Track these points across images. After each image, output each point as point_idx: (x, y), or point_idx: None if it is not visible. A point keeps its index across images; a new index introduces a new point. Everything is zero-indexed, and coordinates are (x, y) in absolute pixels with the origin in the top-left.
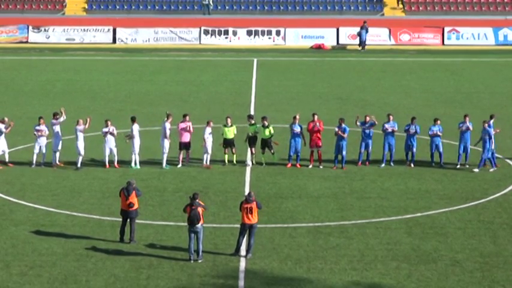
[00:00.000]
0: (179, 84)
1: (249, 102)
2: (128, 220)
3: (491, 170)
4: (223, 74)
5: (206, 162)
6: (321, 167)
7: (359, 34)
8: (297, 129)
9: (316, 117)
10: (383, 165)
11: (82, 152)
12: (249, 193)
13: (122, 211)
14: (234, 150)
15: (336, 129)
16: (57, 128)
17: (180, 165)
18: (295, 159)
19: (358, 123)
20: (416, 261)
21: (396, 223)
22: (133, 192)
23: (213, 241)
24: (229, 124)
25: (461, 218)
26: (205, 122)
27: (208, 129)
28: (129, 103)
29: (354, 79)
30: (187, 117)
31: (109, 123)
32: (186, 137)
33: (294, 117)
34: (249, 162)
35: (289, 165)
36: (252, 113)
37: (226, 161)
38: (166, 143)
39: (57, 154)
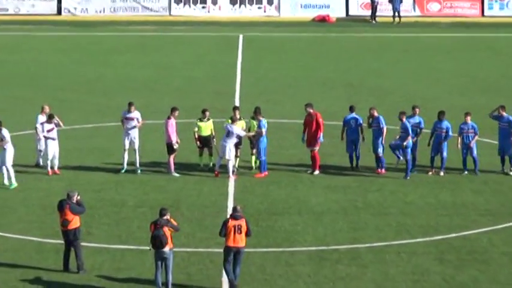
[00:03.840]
0: (143, 67)
1: (233, 91)
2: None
3: None
4: (200, 55)
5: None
6: (316, 172)
7: (391, 0)
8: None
9: (310, 109)
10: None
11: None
12: (235, 208)
13: (61, 232)
14: (211, 151)
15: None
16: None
17: (176, 174)
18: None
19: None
20: None
21: (424, 247)
22: (67, 207)
23: (186, 270)
24: (206, 118)
25: (507, 240)
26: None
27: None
28: (76, 92)
29: (368, 61)
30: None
31: (56, 118)
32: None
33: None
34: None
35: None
36: (237, 103)
37: (202, 164)
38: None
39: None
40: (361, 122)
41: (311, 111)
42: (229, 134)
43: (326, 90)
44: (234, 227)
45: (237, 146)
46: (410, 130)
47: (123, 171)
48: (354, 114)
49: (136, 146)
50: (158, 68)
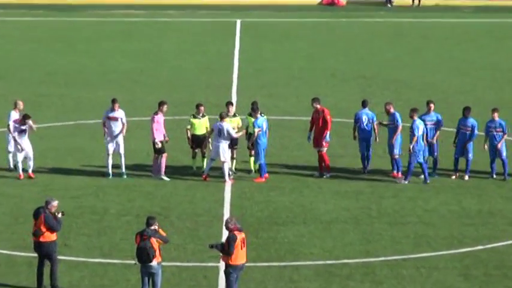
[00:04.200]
0: (128, 57)
1: (229, 84)
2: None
3: None
4: (193, 43)
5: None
6: (324, 176)
7: None
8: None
9: (317, 104)
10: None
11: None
12: (227, 221)
13: (33, 243)
14: (204, 152)
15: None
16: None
17: (165, 178)
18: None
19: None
20: None
21: (446, 260)
22: (42, 216)
23: (177, 287)
24: (201, 114)
25: None
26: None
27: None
28: (54, 85)
29: (383, 50)
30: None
31: (30, 122)
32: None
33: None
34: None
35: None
36: (235, 98)
37: (195, 167)
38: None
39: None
40: (375, 118)
41: (318, 106)
42: (221, 132)
43: (335, 83)
44: (241, 241)
45: (233, 146)
46: (417, 131)
47: (109, 176)
48: (366, 110)
49: (122, 150)
50: (145, 58)
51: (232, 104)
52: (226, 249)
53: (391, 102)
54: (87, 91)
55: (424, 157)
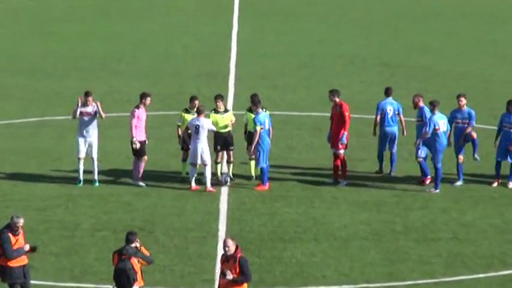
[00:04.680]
0: (104, 40)
1: (226, 72)
2: None
3: None
4: (183, 23)
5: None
6: (344, 183)
7: None
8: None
9: (335, 97)
10: (459, 182)
11: None
12: (225, 242)
13: None
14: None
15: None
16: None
17: (142, 184)
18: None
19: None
20: None
21: (486, 284)
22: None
23: None
24: (195, 109)
25: None
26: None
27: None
28: (14, 74)
29: (411, 32)
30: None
31: None
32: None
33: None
34: (222, 175)
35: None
36: (232, 89)
37: (185, 173)
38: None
39: None
40: (401, 109)
41: (337, 100)
42: (198, 130)
43: (353, 71)
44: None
45: (228, 148)
46: (430, 128)
47: (80, 184)
48: (391, 99)
49: (95, 154)
50: (124, 42)
51: (222, 97)
52: (243, 277)
53: (420, 94)
54: (54, 81)
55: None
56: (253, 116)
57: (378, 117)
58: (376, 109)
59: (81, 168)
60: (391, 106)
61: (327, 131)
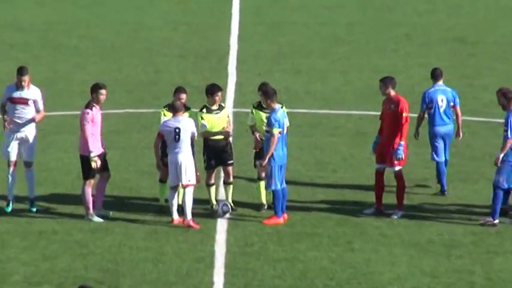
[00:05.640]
0: (46, 4)
1: (223, 51)
2: None
3: None
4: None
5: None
6: (395, 217)
7: None
8: None
9: (388, 88)
10: None
11: None
12: None
13: None
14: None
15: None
16: None
17: (96, 218)
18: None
19: None
20: None
21: None
22: None
23: None
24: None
25: None
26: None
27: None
28: None
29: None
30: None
31: None
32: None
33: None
34: (218, 202)
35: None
36: (233, 76)
37: (163, 200)
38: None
39: None
40: (457, 99)
41: (392, 93)
42: (178, 135)
43: (410, 50)
44: None
45: (226, 163)
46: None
47: (8, 209)
48: (442, 86)
49: (32, 158)
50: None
51: (219, 89)
52: None
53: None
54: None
55: None
56: (263, 114)
57: (425, 112)
58: (422, 101)
59: (12, 179)
60: (443, 95)
61: (373, 137)
